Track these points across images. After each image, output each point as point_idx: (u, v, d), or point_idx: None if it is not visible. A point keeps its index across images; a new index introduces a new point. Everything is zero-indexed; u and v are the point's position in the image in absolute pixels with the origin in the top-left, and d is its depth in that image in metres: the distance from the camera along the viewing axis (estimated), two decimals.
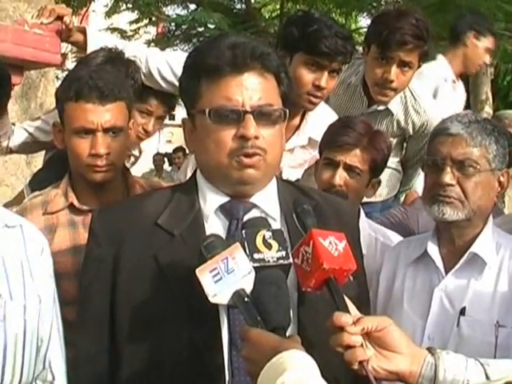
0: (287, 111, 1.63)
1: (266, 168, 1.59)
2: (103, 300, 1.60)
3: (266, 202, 1.64)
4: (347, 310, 1.37)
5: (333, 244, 1.41)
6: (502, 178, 2.00)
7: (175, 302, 1.52)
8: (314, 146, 2.81)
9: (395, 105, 3.11)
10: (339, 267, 1.40)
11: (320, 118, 2.83)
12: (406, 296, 2.05)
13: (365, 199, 2.58)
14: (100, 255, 1.62)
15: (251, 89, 1.56)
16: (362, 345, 1.32)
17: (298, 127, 2.88)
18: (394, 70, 2.88)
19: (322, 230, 1.46)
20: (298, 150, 2.91)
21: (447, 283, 1.98)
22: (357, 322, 1.34)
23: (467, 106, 9.64)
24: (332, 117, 2.87)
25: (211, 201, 1.63)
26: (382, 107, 3.10)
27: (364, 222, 2.55)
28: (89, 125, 2.06)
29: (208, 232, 1.58)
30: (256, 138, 1.54)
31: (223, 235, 1.57)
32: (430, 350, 1.43)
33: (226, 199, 1.62)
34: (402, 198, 3.58)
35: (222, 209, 1.62)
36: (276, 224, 1.61)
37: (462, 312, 1.91)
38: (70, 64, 8.37)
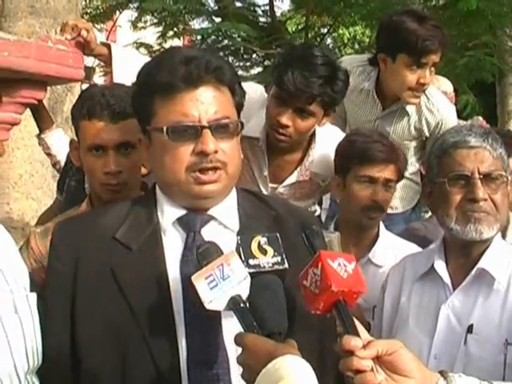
0: (243, 122, 1.63)
1: (228, 180, 1.60)
2: (63, 315, 1.58)
3: (224, 214, 1.64)
4: (357, 334, 1.32)
5: (342, 266, 1.37)
6: (509, 187, 1.94)
7: (134, 316, 1.52)
8: (316, 178, 2.83)
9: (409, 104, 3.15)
10: (348, 289, 1.35)
11: (326, 152, 2.75)
12: (412, 313, 1.99)
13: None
14: (59, 270, 1.62)
15: (207, 103, 1.55)
16: (372, 369, 1.28)
17: (300, 162, 2.81)
18: (428, 73, 2.99)
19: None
20: (300, 183, 2.85)
21: (454, 300, 1.91)
22: (367, 346, 1.29)
23: (494, 117, 9.56)
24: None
25: (168, 214, 1.63)
26: (396, 107, 3.14)
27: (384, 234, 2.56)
28: (100, 142, 2.08)
29: (165, 245, 1.59)
30: (215, 152, 1.54)
31: (181, 248, 1.59)
32: (442, 373, 1.38)
33: (183, 212, 1.62)
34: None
35: (180, 221, 1.62)
36: (233, 236, 1.58)
37: (470, 330, 1.85)
38: (98, 78, 8.51)
